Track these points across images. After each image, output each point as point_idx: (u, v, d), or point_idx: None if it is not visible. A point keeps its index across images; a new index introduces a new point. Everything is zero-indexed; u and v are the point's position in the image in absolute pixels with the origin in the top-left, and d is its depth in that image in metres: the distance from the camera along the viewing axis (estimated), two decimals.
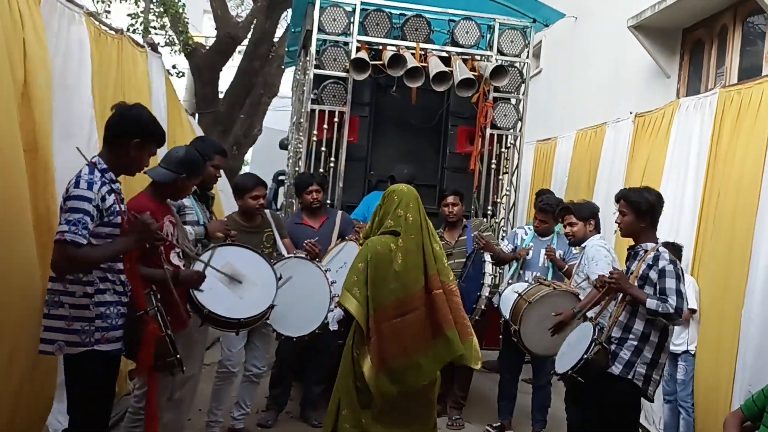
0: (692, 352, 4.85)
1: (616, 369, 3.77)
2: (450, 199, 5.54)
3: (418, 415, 3.90)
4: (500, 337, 5.61)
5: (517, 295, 4.97)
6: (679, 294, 3.66)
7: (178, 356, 3.14)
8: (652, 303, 3.66)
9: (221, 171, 4.52)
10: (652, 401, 3.98)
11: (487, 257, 5.13)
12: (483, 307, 5.08)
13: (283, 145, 10.26)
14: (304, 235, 4.95)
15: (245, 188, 4.67)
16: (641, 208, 3.84)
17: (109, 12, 12.06)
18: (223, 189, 6.53)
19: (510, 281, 5.45)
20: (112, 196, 2.93)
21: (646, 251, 3.83)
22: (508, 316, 4.97)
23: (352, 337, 3.86)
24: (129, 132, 3.00)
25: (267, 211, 4.74)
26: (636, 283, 3.79)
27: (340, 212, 5.51)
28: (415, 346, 3.78)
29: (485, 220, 6.18)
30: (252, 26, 12.64)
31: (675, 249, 4.83)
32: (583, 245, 4.94)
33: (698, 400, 4.77)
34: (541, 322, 4.62)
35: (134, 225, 2.98)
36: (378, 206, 4.16)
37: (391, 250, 3.77)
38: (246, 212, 4.70)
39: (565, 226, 5.07)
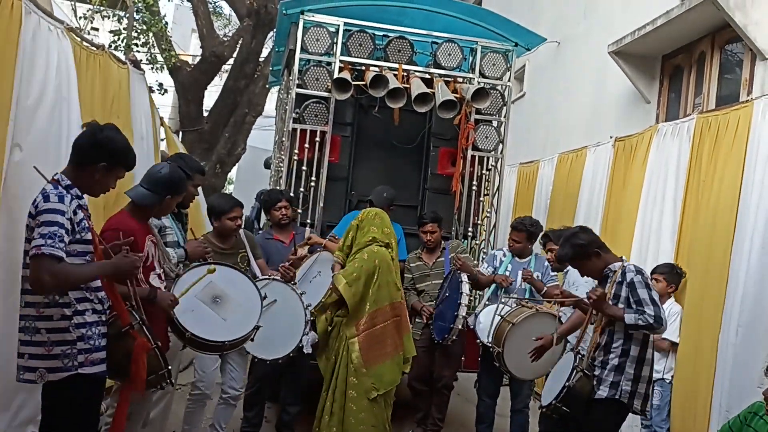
0: (668, 380, 4.87)
1: (603, 392, 3.78)
2: (428, 227, 5.53)
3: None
4: (479, 359, 5.58)
5: (499, 317, 4.96)
6: (654, 302, 3.72)
7: (169, 368, 3.09)
8: (630, 318, 3.70)
9: (199, 189, 4.47)
10: (639, 414, 3.98)
11: (464, 278, 5.12)
12: (460, 327, 5.06)
13: (267, 165, 10.22)
14: (276, 249, 4.91)
15: (222, 210, 4.55)
16: (585, 252, 3.91)
17: (96, 30, 12.05)
18: (203, 211, 6.47)
19: (487, 302, 5.43)
20: (81, 211, 2.87)
21: (614, 272, 3.88)
22: (489, 339, 4.93)
23: (331, 319, 4.23)
24: (97, 155, 2.91)
25: (241, 231, 4.70)
26: (611, 303, 3.83)
27: (307, 228, 5.53)
28: (393, 349, 4.38)
29: (463, 242, 6.17)
30: (238, 45, 12.68)
31: (677, 275, 4.90)
32: (565, 270, 4.96)
33: (675, 426, 4.76)
34: (524, 345, 4.59)
35: (122, 260, 2.92)
36: (354, 225, 4.28)
37: (393, 258, 4.38)
38: (221, 233, 4.62)
39: (546, 252, 5.10)
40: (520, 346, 4.62)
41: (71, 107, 4.31)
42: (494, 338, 4.84)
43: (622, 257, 4.05)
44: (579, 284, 4.74)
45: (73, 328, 2.80)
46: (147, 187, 3.41)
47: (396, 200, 5.73)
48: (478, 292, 6.02)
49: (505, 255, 5.59)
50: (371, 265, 4.16)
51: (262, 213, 11.12)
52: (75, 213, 2.81)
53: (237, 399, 4.73)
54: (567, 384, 3.84)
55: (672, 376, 4.87)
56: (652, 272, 4.92)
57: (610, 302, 3.83)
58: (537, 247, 5.78)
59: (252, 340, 3.84)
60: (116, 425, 3.10)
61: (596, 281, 4.39)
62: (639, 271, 3.84)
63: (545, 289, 5.22)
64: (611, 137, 6.56)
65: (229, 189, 20.77)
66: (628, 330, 3.77)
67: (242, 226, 4.71)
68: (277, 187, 6.41)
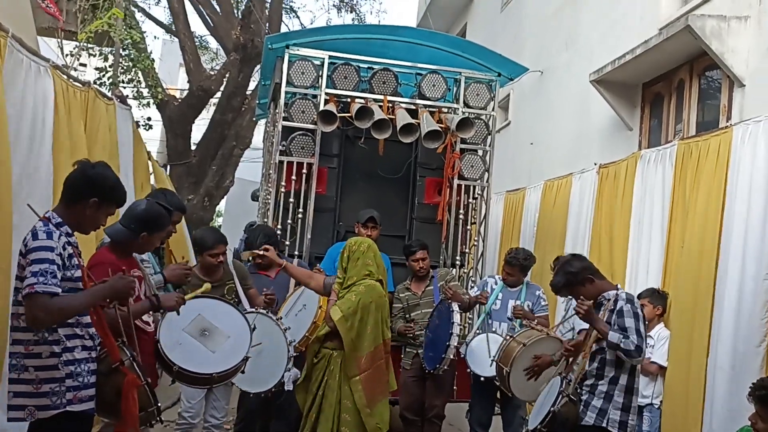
0: (656, 405, 4.87)
1: (590, 419, 3.77)
2: (419, 254, 5.55)
3: None
4: (470, 388, 5.55)
5: (508, 338, 4.94)
6: (639, 333, 3.74)
7: (158, 405, 3.06)
8: (614, 336, 3.72)
9: (183, 224, 4.45)
10: None
11: (455, 307, 5.12)
12: (452, 356, 5.05)
13: (255, 197, 10.25)
14: (261, 284, 4.89)
15: (204, 246, 4.53)
16: (577, 279, 3.94)
17: (84, 66, 12.10)
18: (189, 245, 6.46)
19: (478, 331, 5.43)
20: (70, 248, 2.87)
21: (608, 300, 3.90)
22: (496, 357, 4.89)
23: (317, 350, 4.19)
24: (89, 191, 2.92)
25: (230, 261, 4.68)
26: None
27: (296, 260, 5.49)
28: (387, 386, 4.34)
29: (452, 270, 6.19)
30: (225, 79, 12.77)
31: (660, 297, 4.93)
32: (568, 297, 4.98)
33: None
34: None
35: (118, 281, 2.92)
36: (345, 256, 4.25)
37: (384, 295, 4.36)
38: (206, 267, 4.63)
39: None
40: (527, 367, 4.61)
41: (45, 146, 4.31)
42: (502, 358, 4.81)
43: (617, 285, 4.07)
44: None
45: (62, 365, 2.78)
46: (123, 223, 3.42)
47: (383, 230, 5.74)
48: (468, 319, 6.02)
49: (496, 283, 5.60)
50: (368, 300, 4.13)
51: None
52: (64, 248, 2.81)
53: (219, 428, 4.70)
54: (552, 409, 3.84)
55: (661, 401, 4.87)
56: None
57: None
58: (530, 274, 5.81)
59: (243, 372, 3.82)
60: None
61: None
62: (630, 300, 3.86)
63: (536, 319, 5.21)
64: (595, 164, 6.63)
65: (218, 221, 20.77)
66: (607, 349, 3.78)
67: (232, 257, 4.69)
68: (265, 222, 6.41)
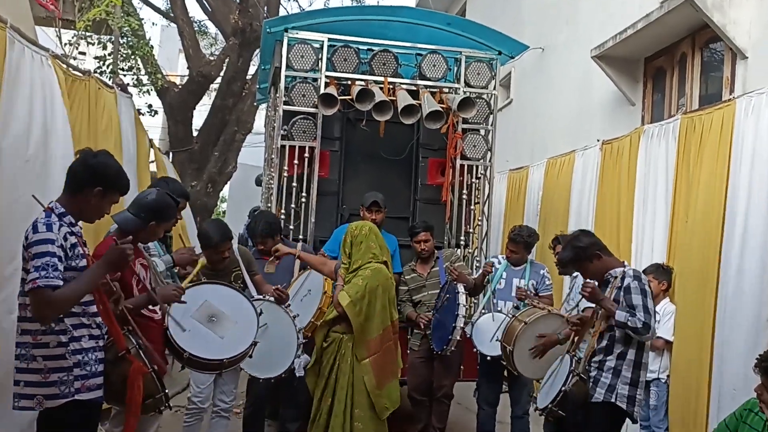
0: (663, 380, 4.90)
1: (599, 395, 3.79)
2: (422, 236, 5.56)
3: None
4: (478, 368, 5.59)
5: (510, 317, 4.98)
6: (647, 310, 3.74)
7: (166, 392, 3.09)
8: (621, 315, 3.73)
9: (188, 210, 4.45)
10: (636, 422, 4.00)
11: (461, 288, 5.14)
12: (458, 338, 5.07)
13: (258, 182, 10.23)
14: (270, 274, 4.89)
15: (209, 243, 4.45)
16: (585, 255, 3.96)
17: (84, 54, 12.06)
18: (192, 232, 6.47)
19: (483, 311, 5.45)
20: (73, 237, 2.87)
21: (615, 277, 3.90)
22: (499, 337, 4.92)
23: (326, 335, 4.19)
24: (92, 180, 2.93)
25: (235, 248, 4.69)
26: None
27: (300, 244, 5.51)
28: (397, 367, 4.39)
29: (457, 250, 6.19)
30: (224, 64, 12.71)
31: (665, 272, 4.94)
32: (574, 275, 4.99)
33: (673, 424, 4.78)
34: (534, 345, 4.60)
35: (111, 253, 2.91)
36: (348, 242, 4.26)
37: (390, 276, 4.36)
38: (211, 260, 4.61)
39: (555, 255, 5.13)
40: (531, 346, 4.63)
41: (57, 135, 4.33)
42: (505, 336, 4.83)
43: (624, 262, 4.07)
44: None
45: (70, 354, 2.81)
46: (133, 212, 3.42)
47: (387, 212, 5.74)
48: (473, 300, 6.04)
49: (500, 262, 5.61)
50: (375, 283, 4.15)
51: None
52: (66, 239, 2.82)
53: (228, 411, 4.74)
54: (563, 388, 3.86)
55: (668, 376, 4.89)
56: None
57: None
58: (532, 253, 5.82)
59: (251, 356, 3.84)
60: None
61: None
62: (637, 277, 3.86)
63: (539, 301, 5.22)
64: (598, 140, 6.61)
65: (222, 207, 20.77)
66: (617, 328, 3.79)
67: (238, 242, 4.69)
68: (268, 207, 6.41)
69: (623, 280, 3.85)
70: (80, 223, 3.01)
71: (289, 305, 4.60)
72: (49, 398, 2.77)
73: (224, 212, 19.97)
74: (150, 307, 3.42)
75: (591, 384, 3.84)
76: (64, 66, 4.89)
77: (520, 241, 5.43)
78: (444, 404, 5.50)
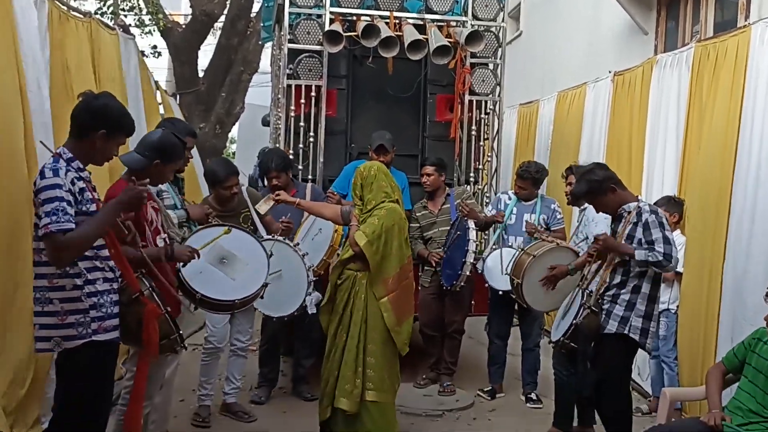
0: (673, 311, 4.93)
1: (612, 327, 3.83)
2: (427, 169, 5.56)
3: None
4: (488, 303, 5.66)
5: (518, 250, 5.01)
6: (667, 241, 3.73)
7: (180, 332, 3.15)
8: (641, 254, 3.73)
9: (192, 152, 4.43)
10: (649, 353, 4.04)
11: (471, 224, 5.15)
12: (468, 273, 5.11)
13: (265, 122, 10.17)
14: (275, 210, 4.93)
15: (216, 179, 4.53)
16: (600, 188, 3.92)
17: None
18: (199, 173, 6.47)
19: (494, 246, 5.48)
20: (81, 182, 2.87)
21: (629, 212, 3.88)
22: (508, 271, 4.95)
23: (340, 273, 4.22)
24: (95, 123, 2.90)
25: (243, 189, 4.70)
26: (623, 242, 3.84)
27: (309, 185, 5.51)
28: (412, 304, 4.41)
29: (468, 187, 6.18)
30: (228, 2, 12.46)
31: (676, 204, 4.92)
32: (582, 207, 4.98)
33: (682, 354, 4.84)
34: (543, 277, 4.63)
35: (126, 193, 2.92)
36: (358, 184, 4.25)
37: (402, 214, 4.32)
38: (219, 199, 4.64)
39: (567, 186, 5.12)
40: (540, 279, 4.65)
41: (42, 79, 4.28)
42: (514, 270, 4.87)
43: (638, 197, 4.04)
44: (598, 220, 4.74)
45: (85, 297, 2.84)
46: (138, 151, 3.41)
47: (395, 145, 5.70)
48: (484, 236, 6.06)
49: (510, 198, 5.60)
50: (390, 223, 4.16)
51: None
52: (73, 183, 2.82)
53: (245, 350, 4.86)
54: (575, 321, 3.91)
55: (677, 306, 4.92)
56: None
57: (623, 242, 3.84)
58: (542, 187, 5.81)
59: (262, 297, 3.89)
60: (137, 388, 3.17)
61: (606, 226, 4.45)
62: (654, 211, 3.84)
63: (549, 235, 5.22)
64: (610, 72, 6.48)
65: (232, 149, 20.71)
66: (639, 267, 3.80)
67: (247, 183, 4.69)
68: (276, 146, 6.39)
69: (639, 215, 3.82)
70: (89, 167, 3.00)
71: (298, 244, 4.64)
72: (67, 339, 2.82)
73: (233, 153, 19.92)
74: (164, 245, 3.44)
75: (604, 316, 3.87)
76: (64, 8, 4.81)
77: (528, 177, 5.40)
78: (455, 339, 5.60)
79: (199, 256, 3.47)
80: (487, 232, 5.89)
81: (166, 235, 3.53)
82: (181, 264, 3.53)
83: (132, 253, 3.09)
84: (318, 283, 4.89)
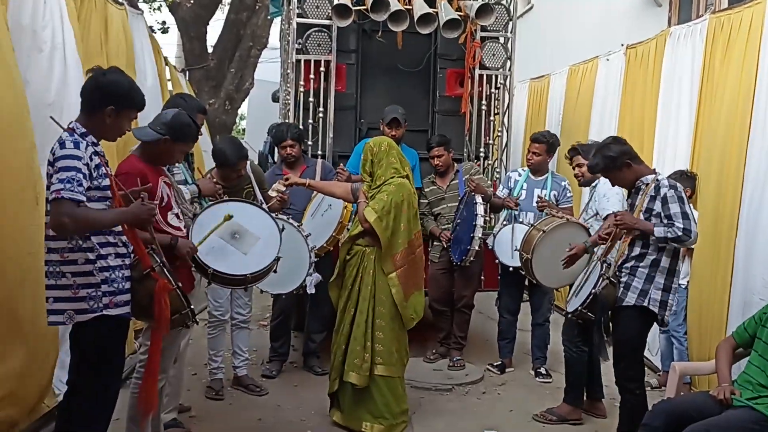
0: (683, 286, 4.91)
1: (630, 299, 3.82)
2: (434, 151, 5.53)
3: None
4: (498, 278, 5.66)
5: (529, 225, 5.00)
6: (685, 215, 3.71)
7: (191, 308, 3.17)
8: (660, 231, 3.71)
9: (202, 129, 4.41)
10: (666, 326, 4.06)
11: (479, 199, 5.14)
12: (477, 248, 5.11)
13: (275, 98, 10.14)
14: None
15: (225, 163, 4.49)
16: (616, 163, 3.89)
17: None
18: (206, 149, 6.45)
19: (504, 222, 5.47)
20: (97, 158, 2.89)
21: (646, 184, 3.85)
22: (518, 247, 4.94)
23: (349, 248, 4.28)
24: (104, 99, 2.91)
25: (247, 165, 4.69)
26: (641, 217, 3.83)
27: (320, 161, 5.51)
28: (421, 279, 4.41)
29: (476, 163, 6.15)
30: None
31: (689, 178, 4.88)
32: (593, 184, 4.95)
33: (692, 329, 4.84)
34: (554, 253, 4.59)
35: (140, 209, 2.95)
36: (368, 160, 4.25)
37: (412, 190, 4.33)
38: (224, 177, 4.59)
39: (574, 168, 5.07)
40: (549, 254, 4.64)
41: (67, 54, 4.28)
42: (524, 245, 4.86)
43: (655, 170, 4.01)
44: (609, 196, 4.71)
45: (97, 271, 2.87)
46: (151, 126, 3.41)
47: (407, 119, 5.68)
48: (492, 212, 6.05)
49: (520, 174, 5.57)
50: (399, 198, 4.17)
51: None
52: (91, 159, 2.84)
53: (246, 322, 4.93)
54: (593, 291, 3.90)
55: (688, 281, 4.91)
56: None
57: (642, 216, 3.82)
58: (552, 165, 5.77)
59: (275, 271, 3.90)
60: (151, 362, 3.21)
61: (618, 201, 4.42)
62: (673, 186, 3.80)
63: (559, 211, 5.19)
64: (622, 45, 6.40)
65: (242, 125, 20.69)
66: (658, 243, 3.78)
67: (257, 159, 4.66)
68: (287, 121, 6.37)
69: (658, 189, 3.79)
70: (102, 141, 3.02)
71: (301, 224, 4.65)
72: (79, 312, 2.86)
73: (243, 130, 19.90)
74: (174, 224, 3.46)
75: (621, 289, 3.86)
76: None
77: (543, 141, 5.38)
78: (465, 314, 5.62)
79: (196, 252, 3.48)
80: (497, 212, 5.86)
81: (178, 210, 3.55)
82: (192, 240, 3.55)
83: (142, 235, 3.11)
84: (328, 258, 4.90)
